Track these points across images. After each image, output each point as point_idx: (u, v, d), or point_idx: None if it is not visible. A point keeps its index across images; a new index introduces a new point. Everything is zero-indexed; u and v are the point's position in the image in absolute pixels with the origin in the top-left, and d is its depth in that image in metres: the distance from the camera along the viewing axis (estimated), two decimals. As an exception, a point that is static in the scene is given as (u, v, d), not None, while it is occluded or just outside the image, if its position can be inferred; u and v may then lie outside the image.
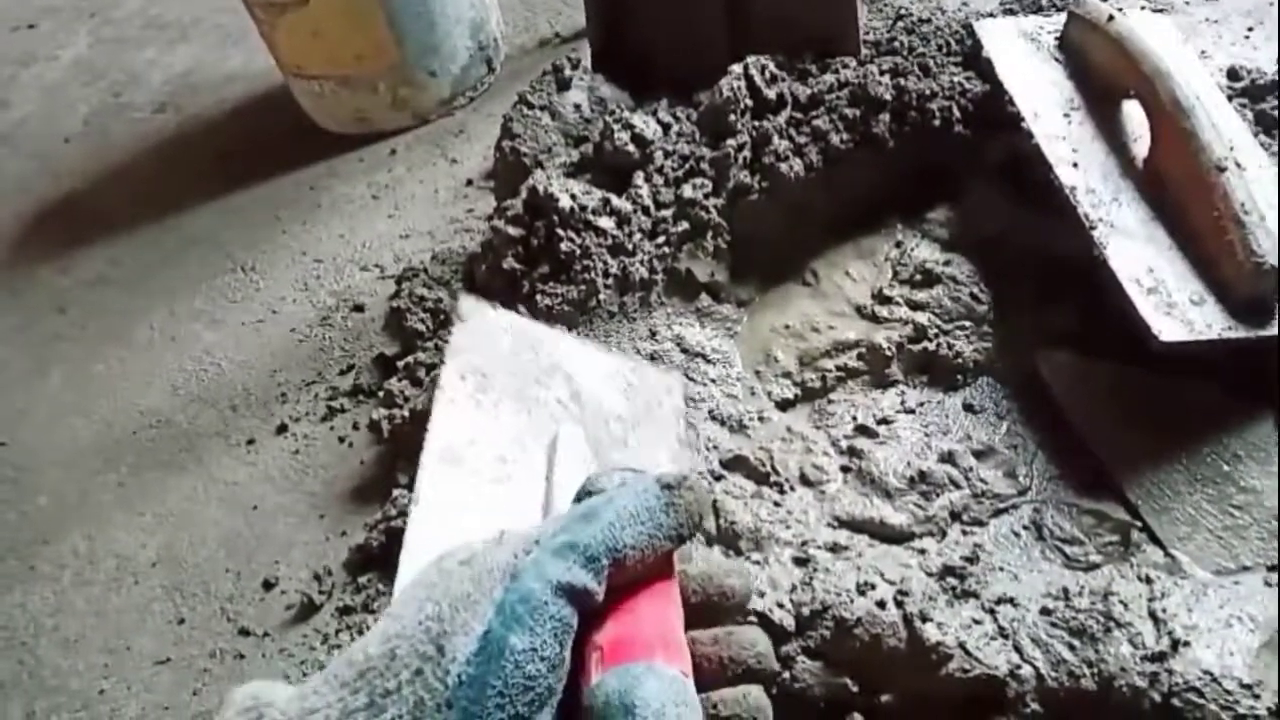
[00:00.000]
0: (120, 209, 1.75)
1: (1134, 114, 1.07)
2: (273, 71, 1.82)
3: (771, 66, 1.19)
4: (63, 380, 1.44)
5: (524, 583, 0.38)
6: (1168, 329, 0.89)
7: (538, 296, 1.08)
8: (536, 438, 0.87)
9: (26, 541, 1.21)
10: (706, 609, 0.46)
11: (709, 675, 0.44)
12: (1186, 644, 0.75)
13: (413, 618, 0.39)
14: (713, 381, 1.06)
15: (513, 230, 1.13)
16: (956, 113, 1.15)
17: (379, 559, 1.04)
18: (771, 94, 1.17)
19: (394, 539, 1.02)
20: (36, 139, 2.03)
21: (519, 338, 0.96)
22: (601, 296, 1.08)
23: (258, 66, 1.99)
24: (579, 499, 0.46)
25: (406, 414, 1.12)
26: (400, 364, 1.22)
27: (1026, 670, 0.77)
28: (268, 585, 1.09)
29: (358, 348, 1.34)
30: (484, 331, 0.95)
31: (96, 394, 1.40)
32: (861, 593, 0.82)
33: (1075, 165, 1.04)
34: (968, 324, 1.07)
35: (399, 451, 1.14)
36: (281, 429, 1.26)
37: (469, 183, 1.60)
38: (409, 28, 1.65)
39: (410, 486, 1.08)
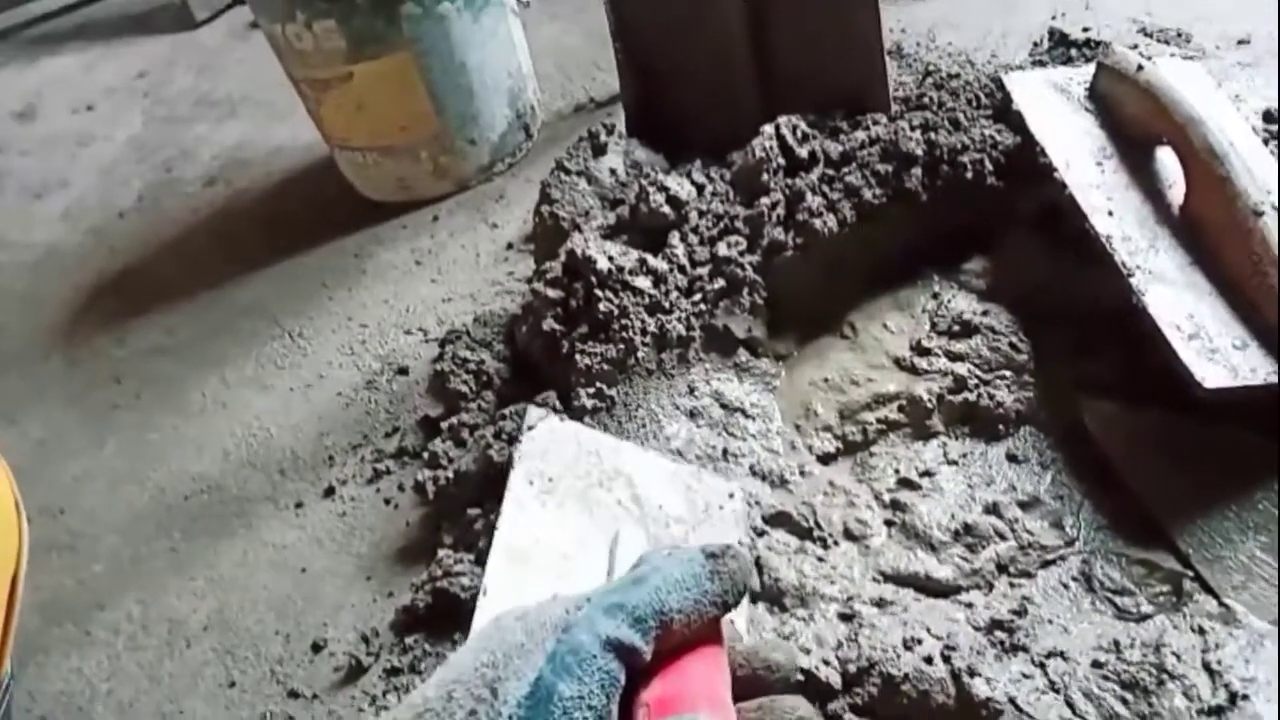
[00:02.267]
0: (173, 280, 1.81)
1: (1167, 160, 1.08)
2: (318, 144, 1.89)
3: (803, 125, 1.21)
4: (118, 448, 1.48)
5: (575, 635, 0.41)
6: (1211, 375, 0.88)
7: (577, 356, 1.10)
8: (598, 535, 0.89)
9: (83, 607, 1.24)
10: (752, 682, 0.48)
11: None
12: (1245, 697, 0.73)
13: (469, 664, 0.41)
14: (753, 436, 1.07)
15: (552, 292, 1.15)
16: (989, 165, 1.16)
17: (425, 620, 1.05)
18: (803, 152, 1.19)
19: (440, 600, 1.03)
20: (93, 214, 2.11)
21: (583, 445, 0.99)
22: (640, 354, 1.09)
23: (303, 139, 2.06)
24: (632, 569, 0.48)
25: (451, 475, 1.13)
26: (444, 425, 1.24)
27: (1080, 726, 0.76)
28: (316, 647, 1.10)
29: (402, 410, 1.37)
30: (550, 439, 0.99)
31: (150, 461, 1.43)
32: (908, 648, 0.81)
33: (1110, 213, 1.04)
34: (1008, 373, 1.06)
35: (444, 512, 1.15)
36: (329, 492, 1.28)
37: (509, 246, 1.63)
38: (449, 98, 1.70)
39: (455, 547, 1.09)
